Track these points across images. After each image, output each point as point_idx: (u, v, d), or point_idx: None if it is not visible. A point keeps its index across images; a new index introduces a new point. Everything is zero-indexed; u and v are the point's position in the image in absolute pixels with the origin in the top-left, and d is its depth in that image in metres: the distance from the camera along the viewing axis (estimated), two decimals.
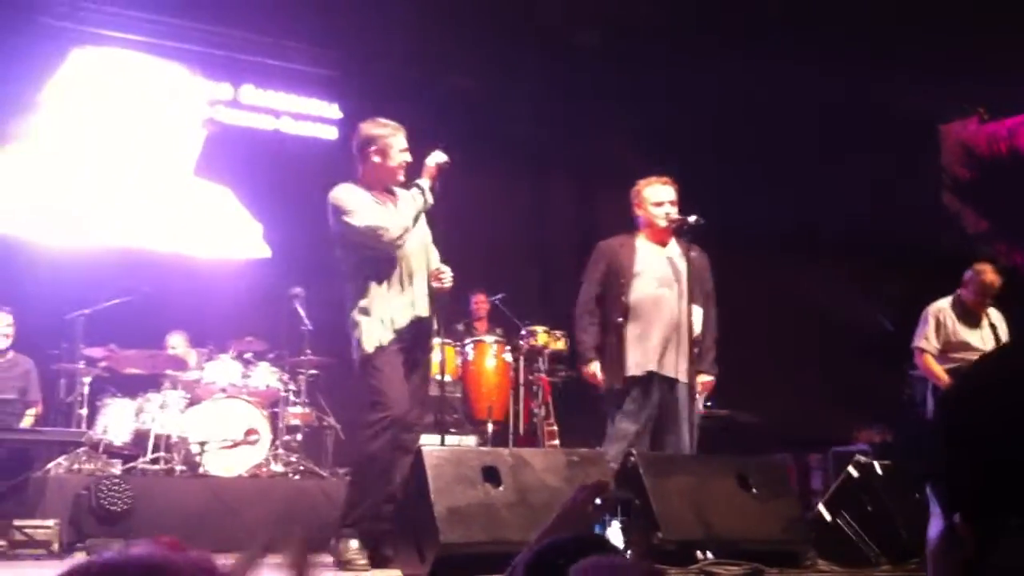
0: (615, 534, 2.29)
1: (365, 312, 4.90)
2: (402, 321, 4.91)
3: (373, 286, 4.92)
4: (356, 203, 4.93)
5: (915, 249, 8.66)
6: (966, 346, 6.44)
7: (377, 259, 4.95)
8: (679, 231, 5.37)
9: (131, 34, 9.29)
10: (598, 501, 2.11)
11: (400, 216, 4.95)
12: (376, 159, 5.02)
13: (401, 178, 5.07)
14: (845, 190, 8.95)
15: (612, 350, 5.29)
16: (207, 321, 8.21)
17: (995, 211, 10.40)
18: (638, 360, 5.25)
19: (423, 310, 5.00)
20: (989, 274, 6.53)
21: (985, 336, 6.46)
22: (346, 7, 9.23)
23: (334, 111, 9.95)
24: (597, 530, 2.19)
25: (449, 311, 8.34)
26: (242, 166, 9.24)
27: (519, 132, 10.02)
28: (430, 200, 5.02)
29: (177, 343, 8.18)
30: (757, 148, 9.43)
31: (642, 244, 5.43)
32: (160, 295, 7.82)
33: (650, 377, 5.24)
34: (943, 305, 6.59)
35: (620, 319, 5.27)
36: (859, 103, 8.72)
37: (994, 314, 6.58)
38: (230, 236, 9.44)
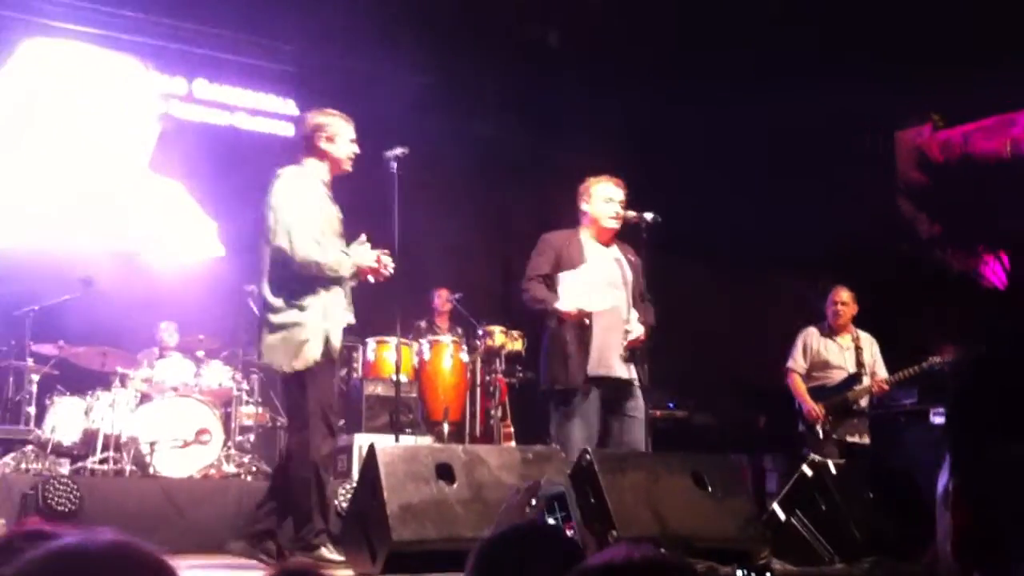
0: None
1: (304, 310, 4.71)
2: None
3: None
4: (305, 225, 4.68)
5: (871, 259, 8.73)
6: (826, 364, 6.96)
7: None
8: (634, 229, 5.29)
9: (83, 26, 9.12)
10: (534, 501, 2.12)
11: (349, 261, 4.77)
12: (325, 146, 4.85)
13: (349, 168, 4.92)
14: (803, 200, 8.93)
15: (569, 349, 5.05)
16: (159, 318, 8.06)
17: (948, 216, 10.52)
18: (595, 362, 5.07)
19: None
20: (840, 294, 7.01)
21: (847, 357, 6.93)
22: (303, 1, 9.13)
23: (290, 107, 9.79)
24: None
25: (409, 307, 8.29)
26: (196, 162, 9.08)
27: (480, 131, 9.96)
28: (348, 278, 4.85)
29: (167, 328, 7.99)
30: (719, 154, 9.41)
31: (588, 242, 5.24)
32: (112, 292, 7.69)
33: (603, 380, 5.10)
34: (811, 329, 7.08)
35: (587, 321, 5.06)
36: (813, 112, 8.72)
37: (864, 337, 7.00)
38: (183, 233, 9.29)
